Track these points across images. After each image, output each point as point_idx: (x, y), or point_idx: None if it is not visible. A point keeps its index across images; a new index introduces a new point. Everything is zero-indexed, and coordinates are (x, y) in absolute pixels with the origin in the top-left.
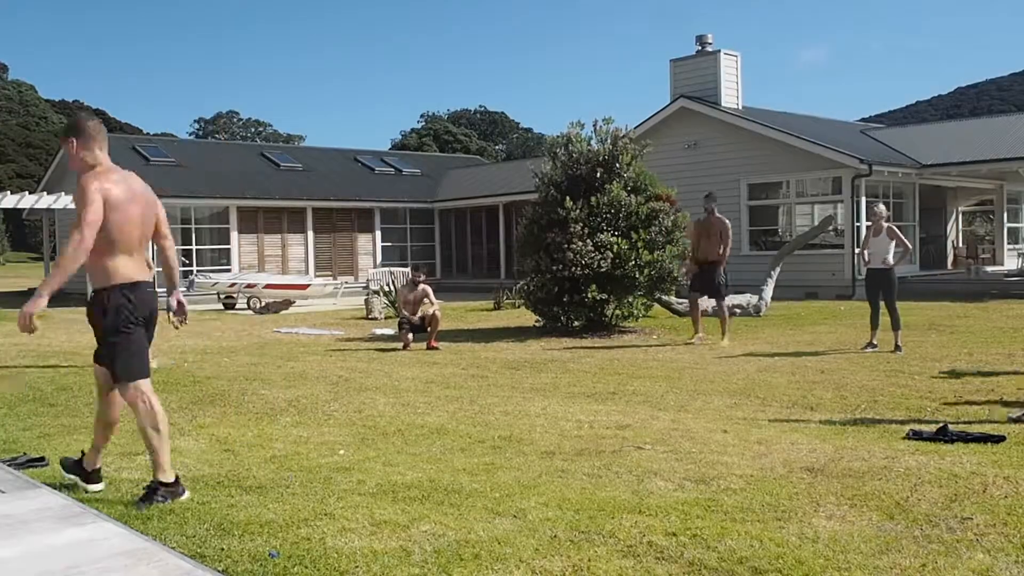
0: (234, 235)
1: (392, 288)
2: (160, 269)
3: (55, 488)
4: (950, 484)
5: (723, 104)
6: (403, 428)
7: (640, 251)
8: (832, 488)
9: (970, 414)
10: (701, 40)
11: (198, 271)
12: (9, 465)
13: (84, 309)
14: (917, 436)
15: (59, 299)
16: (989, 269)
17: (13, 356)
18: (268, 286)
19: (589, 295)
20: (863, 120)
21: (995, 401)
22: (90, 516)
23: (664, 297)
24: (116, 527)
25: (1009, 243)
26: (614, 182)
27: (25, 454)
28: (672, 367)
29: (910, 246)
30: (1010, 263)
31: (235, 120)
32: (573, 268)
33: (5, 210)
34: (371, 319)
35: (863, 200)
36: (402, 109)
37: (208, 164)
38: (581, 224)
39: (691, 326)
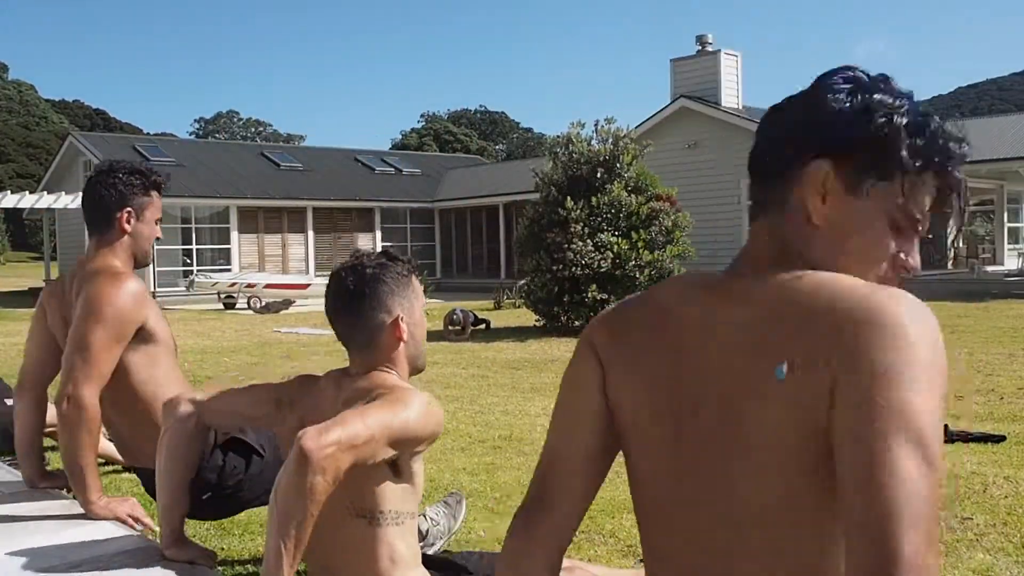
0: (234, 235)
1: None
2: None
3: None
4: (950, 484)
5: (723, 104)
6: None
7: (640, 251)
8: None
9: (970, 414)
10: (701, 40)
11: (198, 271)
12: (9, 465)
13: None
14: None
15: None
16: (989, 269)
17: (13, 356)
18: (268, 286)
19: (589, 295)
20: None
21: (995, 401)
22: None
23: None
24: (116, 527)
25: (1009, 243)
26: (615, 182)
27: None
28: None
29: None
30: (1010, 263)
31: (235, 120)
32: (573, 268)
33: (5, 210)
34: None
35: None
36: (402, 109)
37: (208, 164)
38: (581, 224)
39: None
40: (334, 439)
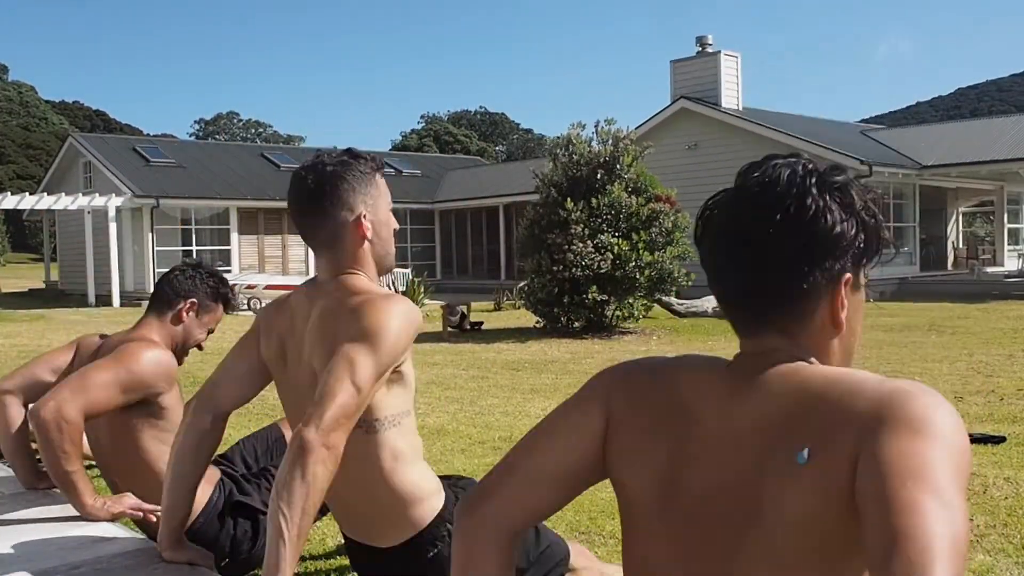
0: (234, 236)
1: (392, 289)
2: None
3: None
4: None
5: (723, 105)
6: None
7: (640, 252)
8: None
9: (971, 415)
10: (701, 41)
11: None
12: (9, 466)
13: (86, 310)
14: None
15: (59, 300)
16: (989, 270)
17: (13, 357)
18: (269, 287)
19: (589, 296)
20: (863, 121)
21: (995, 402)
22: None
23: (664, 298)
24: (116, 528)
25: (1009, 244)
26: (615, 183)
27: None
28: None
29: None
30: (1010, 264)
31: (235, 121)
32: (573, 269)
33: (5, 211)
34: None
35: None
36: (402, 110)
37: (208, 165)
38: (582, 225)
39: (693, 328)
40: (331, 422)
